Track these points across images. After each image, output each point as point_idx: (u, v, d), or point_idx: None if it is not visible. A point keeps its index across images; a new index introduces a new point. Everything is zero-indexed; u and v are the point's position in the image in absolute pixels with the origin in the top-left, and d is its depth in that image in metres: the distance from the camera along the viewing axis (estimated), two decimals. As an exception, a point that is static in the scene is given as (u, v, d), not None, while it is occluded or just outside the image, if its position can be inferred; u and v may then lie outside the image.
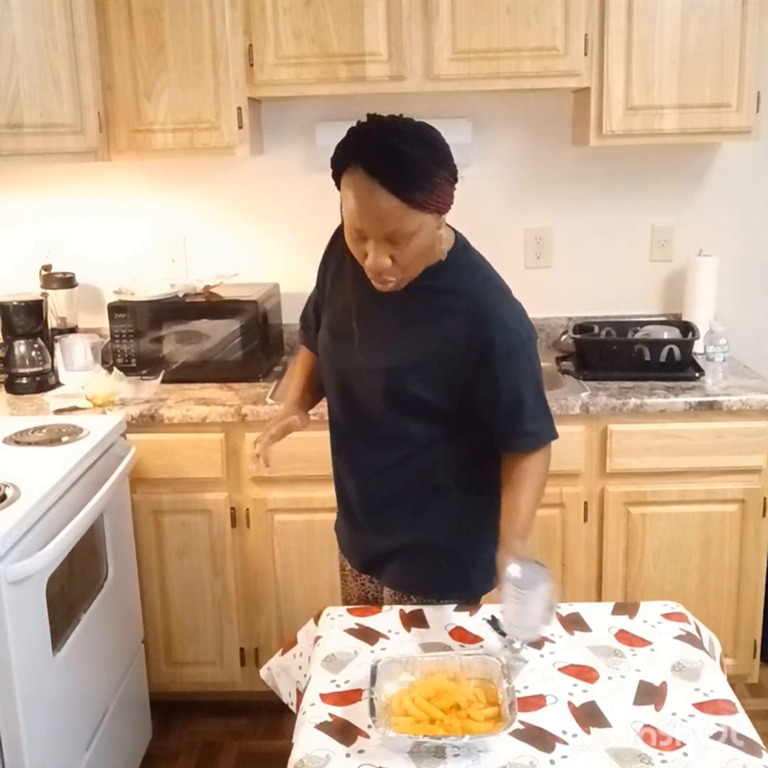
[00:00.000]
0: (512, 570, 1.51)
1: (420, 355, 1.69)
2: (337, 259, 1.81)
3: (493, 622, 1.68)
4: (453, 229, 1.75)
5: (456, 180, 1.56)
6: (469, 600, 1.82)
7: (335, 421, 1.90)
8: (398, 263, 1.58)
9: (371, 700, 1.39)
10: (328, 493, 2.49)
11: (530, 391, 1.71)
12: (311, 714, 1.45)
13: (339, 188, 1.58)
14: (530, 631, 1.54)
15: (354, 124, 1.58)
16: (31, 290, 2.86)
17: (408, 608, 1.77)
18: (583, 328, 2.91)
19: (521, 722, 1.38)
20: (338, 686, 1.52)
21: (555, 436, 1.75)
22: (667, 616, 1.71)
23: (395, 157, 1.49)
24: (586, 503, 2.58)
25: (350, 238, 1.61)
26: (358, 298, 1.76)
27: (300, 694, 1.64)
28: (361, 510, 1.92)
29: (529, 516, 1.69)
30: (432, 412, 1.75)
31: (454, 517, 1.83)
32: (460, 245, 1.73)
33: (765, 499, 2.57)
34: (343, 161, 1.54)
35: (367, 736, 1.38)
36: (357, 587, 2.02)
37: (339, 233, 1.77)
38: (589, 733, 1.38)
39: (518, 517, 1.67)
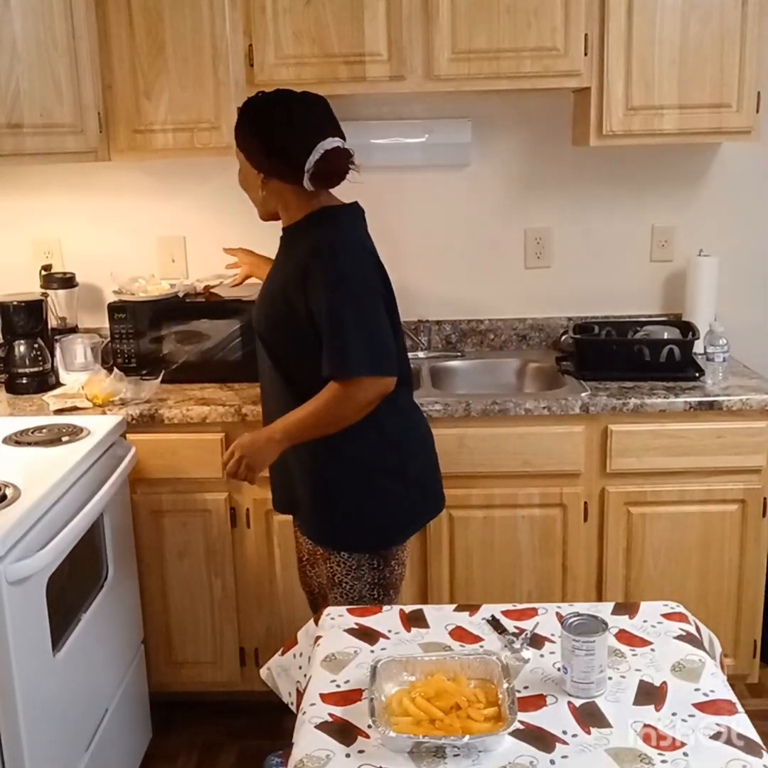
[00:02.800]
0: (569, 621, 1.47)
1: (269, 294, 2.05)
2: None
3: (494, 622, 1.68)
4: (339, 207, 2.00)
5: (264, 143, 1.97)
6: (340, 551, 2.04)
7: None
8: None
9: (371, 700, 1.39)
10: (328, 493, 2.49)
11: (337, 321, 1.86)
12: (311, 714, 1.45)
13: None
14: (599, 686, 1.46)
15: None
16: (31, 290, 2.86)
17: (408, 608, 1.77)
18: (583, 328, 2.91)
19: (521, 722, 1.38)
20: (338, 686, 1.52)
21: (345, 376, 1.86)
22: (667, 616, 1.71)
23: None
24: (586, 503, 2.58)
25: None
26: None
27: (300, 694, 1.64)
28: None
29: (290, 421, 1.92)
30: (282, 353, 2.00)
31: (309, 468, 2.04)
32: (323, 213, 1.98)
33: (765, 499, 2.57)
34: None
35: (367, 736, 1.38)
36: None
37: None
38: (589, 733, 1.38)
39: (280, 419, 1.95)
